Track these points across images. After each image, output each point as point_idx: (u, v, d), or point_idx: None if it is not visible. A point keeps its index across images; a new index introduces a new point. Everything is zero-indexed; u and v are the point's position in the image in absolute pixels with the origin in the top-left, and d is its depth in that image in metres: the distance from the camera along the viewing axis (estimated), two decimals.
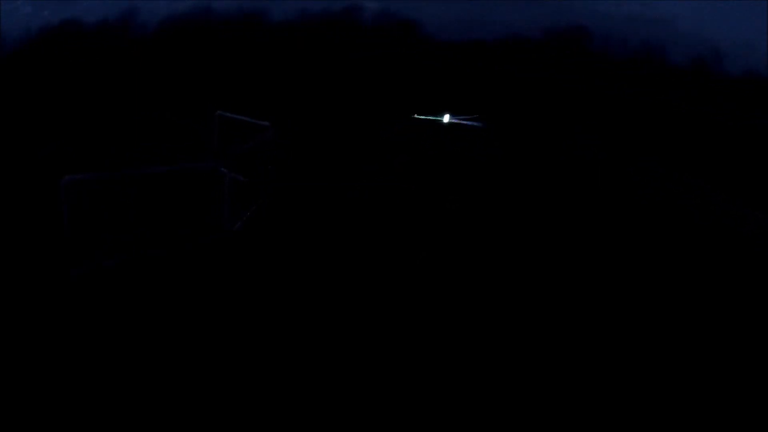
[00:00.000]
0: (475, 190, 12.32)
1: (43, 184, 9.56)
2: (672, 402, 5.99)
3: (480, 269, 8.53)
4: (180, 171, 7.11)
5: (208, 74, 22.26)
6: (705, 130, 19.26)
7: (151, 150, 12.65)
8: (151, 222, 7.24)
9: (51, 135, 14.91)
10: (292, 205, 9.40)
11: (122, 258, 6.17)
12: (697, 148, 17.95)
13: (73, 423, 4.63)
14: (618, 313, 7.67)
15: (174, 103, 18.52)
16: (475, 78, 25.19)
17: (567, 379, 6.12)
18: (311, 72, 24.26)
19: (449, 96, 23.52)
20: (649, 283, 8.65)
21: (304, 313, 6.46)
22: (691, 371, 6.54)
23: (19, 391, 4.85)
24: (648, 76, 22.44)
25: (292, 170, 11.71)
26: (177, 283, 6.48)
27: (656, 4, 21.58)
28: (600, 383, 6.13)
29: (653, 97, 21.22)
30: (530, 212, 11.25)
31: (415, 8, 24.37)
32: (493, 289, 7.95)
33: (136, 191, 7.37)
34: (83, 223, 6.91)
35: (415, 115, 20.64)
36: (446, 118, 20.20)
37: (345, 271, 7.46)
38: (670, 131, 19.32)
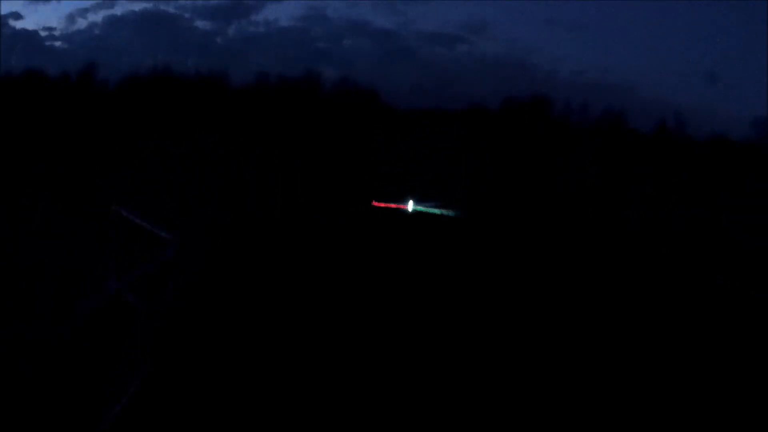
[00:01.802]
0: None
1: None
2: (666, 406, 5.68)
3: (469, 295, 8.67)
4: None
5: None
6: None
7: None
8: None
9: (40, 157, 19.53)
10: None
11: None
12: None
13: None
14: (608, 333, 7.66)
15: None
16: (437, 151, 24.67)
17: (560, 387, 5.84)
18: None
19: (411, 178, 22.74)
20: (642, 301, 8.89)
21: None
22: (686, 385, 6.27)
23: None
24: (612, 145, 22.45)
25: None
26: None
27: (615, 71, 22.26)
28: (592, 393, 5.82)
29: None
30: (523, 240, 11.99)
31: (374, 78, 24.48)
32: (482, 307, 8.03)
33: None
34: None
35: (374, 203, 17.96)
36: (410, 206, 17.23)
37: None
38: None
